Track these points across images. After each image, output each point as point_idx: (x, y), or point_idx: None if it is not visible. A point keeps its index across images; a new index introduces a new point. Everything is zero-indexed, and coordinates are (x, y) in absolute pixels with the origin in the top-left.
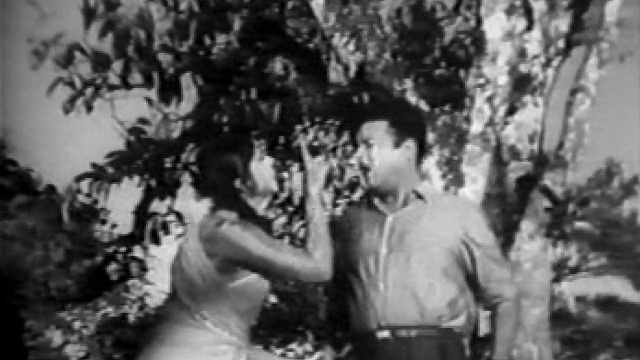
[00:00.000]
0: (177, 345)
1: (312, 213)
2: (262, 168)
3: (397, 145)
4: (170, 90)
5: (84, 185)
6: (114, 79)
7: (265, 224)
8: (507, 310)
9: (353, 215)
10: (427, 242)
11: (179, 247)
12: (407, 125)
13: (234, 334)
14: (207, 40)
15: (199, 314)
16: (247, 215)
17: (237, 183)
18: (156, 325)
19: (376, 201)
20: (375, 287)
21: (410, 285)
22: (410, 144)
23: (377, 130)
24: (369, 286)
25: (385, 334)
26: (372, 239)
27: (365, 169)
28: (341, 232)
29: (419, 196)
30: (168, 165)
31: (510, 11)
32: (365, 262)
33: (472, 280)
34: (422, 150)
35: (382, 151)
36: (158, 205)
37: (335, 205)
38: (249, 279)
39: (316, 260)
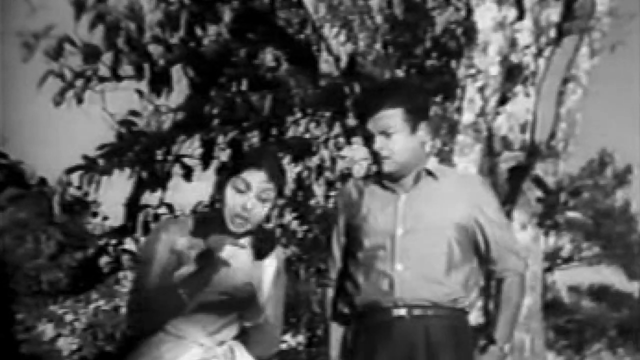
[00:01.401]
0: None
1: None
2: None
3: (413, 130)
4: (160, 82)
5: (75, 177)
6: (104, 71)
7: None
8: (514, 285)
9: (360, 189)
10: (441, 219)
11: None
12: (420, 110)
13: (205, 333)
14: (198, 32)
15: (167, 323)
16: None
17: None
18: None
19: (386, 182)
20: (391, 267)
21: (427, 265)
22: (423, 126)
23: (394, 119)
24: (386, 266)
25: (401, 311)
26: (386, 219)
27: (382, 157)
28: (347, 206)
29: (430, 173)
30: (159, 157)
31: (501, 1)
32: (380, 241)
33: (484, 255)
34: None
35: (401, 139)
36: (149, 197)
37: (327, 197)
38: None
39: None
